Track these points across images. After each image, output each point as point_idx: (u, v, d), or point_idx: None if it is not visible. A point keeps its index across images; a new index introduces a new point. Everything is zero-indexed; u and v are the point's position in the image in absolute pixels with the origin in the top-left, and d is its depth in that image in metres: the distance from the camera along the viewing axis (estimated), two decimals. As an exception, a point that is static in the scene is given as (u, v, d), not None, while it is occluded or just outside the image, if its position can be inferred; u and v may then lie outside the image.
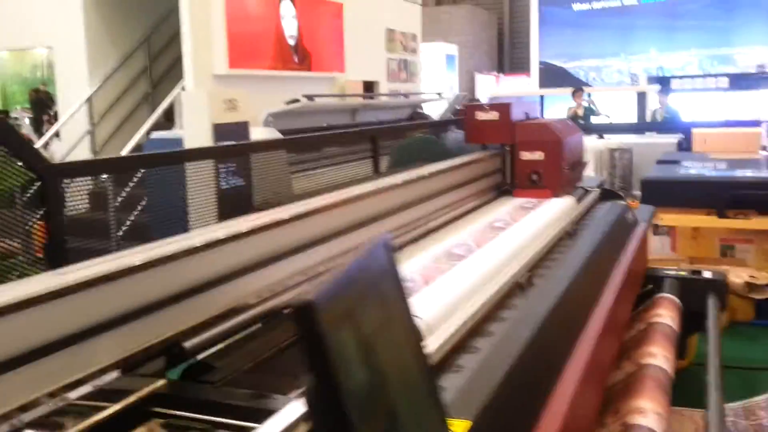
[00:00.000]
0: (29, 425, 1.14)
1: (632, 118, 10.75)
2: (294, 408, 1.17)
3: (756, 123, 8.49)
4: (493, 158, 3.78)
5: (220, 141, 4.01)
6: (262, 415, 1.25)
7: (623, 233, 3.41)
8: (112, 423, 1.26)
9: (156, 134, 5.19)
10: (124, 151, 5.88)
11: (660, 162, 6.41)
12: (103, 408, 1.27)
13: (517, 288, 2.15)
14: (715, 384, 2.64)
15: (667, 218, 5.22)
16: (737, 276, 4.66)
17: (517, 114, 3.91)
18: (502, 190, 3.72)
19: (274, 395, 1.33)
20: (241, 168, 2.31)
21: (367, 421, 0.68)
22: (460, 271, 2.11)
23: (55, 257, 1.42)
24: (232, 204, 1.91)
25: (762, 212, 5.00)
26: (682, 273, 3.93)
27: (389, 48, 8.89)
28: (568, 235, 2.94)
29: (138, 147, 5.86)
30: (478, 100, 7.03)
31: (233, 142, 2.44)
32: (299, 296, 0.63)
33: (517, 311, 1.99)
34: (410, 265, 2.16)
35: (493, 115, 3.82)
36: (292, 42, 7.10)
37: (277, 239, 1.82)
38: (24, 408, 1.13)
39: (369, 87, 8.49)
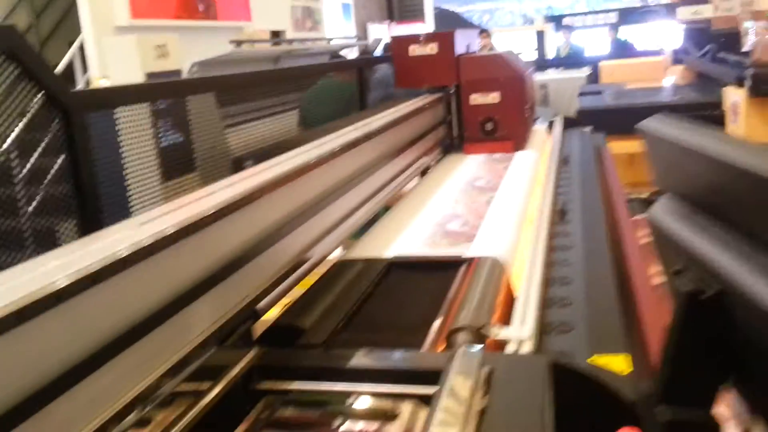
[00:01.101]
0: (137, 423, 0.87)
1: (532, 56, 10.89)
2: (470, 360, 0.96)
3: (656, 53, 8.80)
4: (434, 105, 2.90)
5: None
6: (412, 375, 1.03)
7: (602, 158, 3.35)
8: (218, 407, 1.00)
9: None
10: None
11: (583, 94, 6.48)
12: (205, 391, 1.00)
13: (558, 214, 2.02)
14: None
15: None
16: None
17: (459, 46, 2.99)
18: (447, 145, 2.99)
19: (409, 350, 1.11)
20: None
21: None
22: (500, 203, 1.96)
23: (88, 215, 1.10)
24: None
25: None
26: (644, 195, 3.96)
27: (293, -5, 8.46)
28: (564, 162, 2.83)
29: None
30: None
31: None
32: None
33: (573, 238, 1.85)
34: (445, 200, 1.98)
35: (431, 49, 2.96)
36: (195, -11, 6.56)
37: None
38: (137, 399, 0.85)
39: (276, 36, 8.05)
